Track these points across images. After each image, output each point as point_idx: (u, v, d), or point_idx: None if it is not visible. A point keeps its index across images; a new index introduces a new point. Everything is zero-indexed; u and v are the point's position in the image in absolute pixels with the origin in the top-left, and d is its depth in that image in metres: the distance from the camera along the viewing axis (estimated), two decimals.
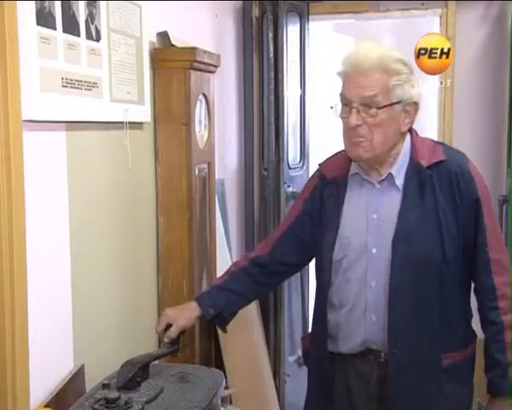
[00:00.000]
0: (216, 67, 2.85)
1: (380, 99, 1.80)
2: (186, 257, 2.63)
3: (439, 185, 1.86)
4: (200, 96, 2.73)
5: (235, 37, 3.78)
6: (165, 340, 2.02)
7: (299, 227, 2.08)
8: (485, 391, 1.94)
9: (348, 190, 1.96)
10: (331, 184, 2.00)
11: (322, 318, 2.00)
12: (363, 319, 1.92)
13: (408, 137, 1.94)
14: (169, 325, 2.07)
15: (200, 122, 2.75)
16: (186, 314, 2.08)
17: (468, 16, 3.76)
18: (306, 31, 3.93)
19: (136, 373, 1.84)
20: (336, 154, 2.10)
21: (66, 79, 1.90)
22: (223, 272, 2.27)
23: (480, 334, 1.99)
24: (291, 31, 3.78)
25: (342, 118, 1.90)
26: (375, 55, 1.81)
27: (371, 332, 1.92)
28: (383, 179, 1.92)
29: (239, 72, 3.81)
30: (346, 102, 1.86)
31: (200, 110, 2.74)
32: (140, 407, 1.72)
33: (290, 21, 3.77)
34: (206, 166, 2.85)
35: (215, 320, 2.15)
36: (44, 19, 1.79)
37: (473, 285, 1.97)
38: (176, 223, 2.63)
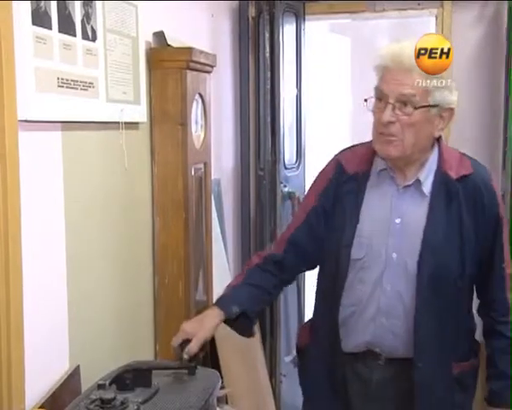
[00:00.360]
0: (212, 67, 2.85)
1: (417, 99, 1.78)
2: (182, 257, 2.63)
3: (465, 201, 1.84)
4: (197, 97, 2.73)
5: (232, 37, 3.78)
6: (185, 357, 1.84)
7: (315, 220, 1.98)
8: (483, 399, 1.98)
9: (369, 187, 1.92)
10: (351, 179, 1.94)
11: (332, 315, 1.95)
12: (373, 321, 1.90)
13: (436, 146, 1.91)
14: (186, 340, 1.87)
15: (196, 122, 2.75)
16: (206, 324, 1.89)
17: (464, 16, 3.77)
18: (302, 31, 3.93)
19: (133, 376, 1.83)
20: (355, 146, 2.05)
21: (62, 78, 1.90)
22: (236, 275, 2.15)
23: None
24: (287, 31, 3.78)
25: (374, 113, 1.86)
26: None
27: (379, 335, 1.91)
28: (410, 185, 1.88)
29: (235, 72, 3.81)
30: (382, 97, 1.82)
31: (196, 110, 2.74)
32: (135, 407, 1.71)
33: (286, 21, 3.77)
34: (202, 166, 2.85)
35: (240, 324, 1.95)
36: (40, 19, 1.79)
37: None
38: (172, 223, 2.63)
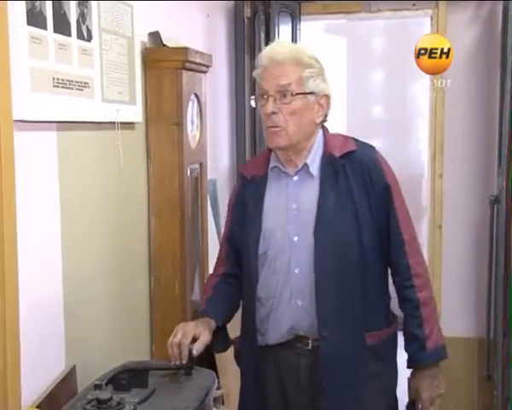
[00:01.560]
0: (208, 67, 2.85)
1: (294, 87, 1.92)
2: (178, 257, 2.63)
3: (352, 174, 1.97)
4: (192, 96, 2.73)
5: (227, 37, 3.78)
6: (194, 353, 1.87)
7: (233, 237, 2.14)
8: (406, 367, 2.04)
9: (268, 185, 2.04)
10: (251, 183, 2.08)
11: (251, 313, 2.04)
12: (289, 305, 1.98)
13: (320, 131, 2.05)
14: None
15: (191, 122, 2.75)
16: (208, 326, 1.97)
17: (459, 17, 3.79)
18: (298, 31, 3.93)
19: (129, 377, 1.83)
20: (255, 156, 2.19)
21: (58, 78, 1.90)
22: (202, 295, 2.24)
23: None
24: (283, 31, 3.79)
25: (261, 109, 1.99)
26: (288, 49, 1.95)
27: (298, 318, 1.98)
28: (299, 170, 2.00)
29: (231, 72, 3.81)
30: (264, 93, 1.96)
31: (192, 110, 2.74)
32: (132, 407, 1.71)
33: (282, 21, 3.78)
34: (197, 166, 2.85)
35: (217, 338, 2.03)
36: (35, 19, 1.78)
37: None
38: (168, 223, 2.63)
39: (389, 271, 2.07)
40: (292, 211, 1.99)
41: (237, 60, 3.80)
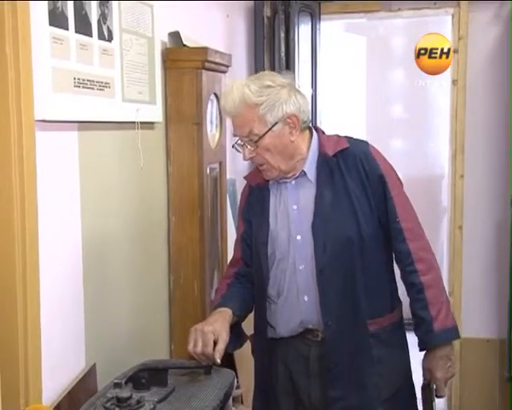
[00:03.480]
0: (227, 66, 2.85)
1: (257, 131, 1.97)
2: (197, 256, 2.64)
3: (347, 170, 2.04)
4: (212, 96, 2.73)
5: (247, 36, 3.78)
6: (218, 362, 1.88)
7: (249, 238, 2.21)
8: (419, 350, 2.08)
9: (271, 192, 2.12)
10: (256, 190, 2.17)
11: (262, 309, 2.13)
12: (297, 301, 2.06)
13: (315, 135, 2.11)
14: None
15: (211, 122, 2.76)
16: (225, 326, 1.98)
17: (481, 16, 3.75)
18: (318, 30, 3.92)
19: (148, 375, 1.84)
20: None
21: (79, 79, 1.91)
22: (216, 294, 2.27)
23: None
24: (302, 30, 3.78)
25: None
26: (236, 98, 1.97)
27: (306, 312, 2.06)
28: (297, 176, 2.08)
29: (250, 71, 3.81)
30: (238, 140, 2.05)
31: (211, 110, 2.74)
32: (151, 406, 1.72)
33: (302, 21, 3.77)
34: (217, 165, 2.86)
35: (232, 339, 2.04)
36: (57, 19, 1.80)
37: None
38: (187, 222, 2.63)
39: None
40: (293, 212, 2.07)
41: (257, 60, 3.79)
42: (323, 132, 2.15)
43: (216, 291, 2.32)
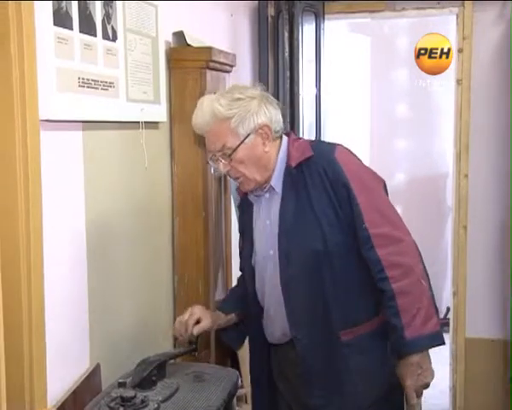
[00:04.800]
0: (231, 66, 2.85)
1: (230, 145, 1.96)
2: (201, 256, 2.64)
3: (311, 179, 1.99)
4: None
5: (251, 36, 3.78)
6: (194, 333, 2.06)
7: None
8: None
9: (254, 203, 2.13)
10: (245, 201, 2.17)
11: (253, 317, 2.16)
12: (277, 314, 2.06)
13: (285, 143, 2.06)
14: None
15: None
16: (214, 316, 2.18)
17: (485, 15, 3.74)
18: (322, 30, 3.91)
19: (151, 372, 1.84)
20: None
21: (83, 78, 1.91)
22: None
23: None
24: (306, 30, 3.77)
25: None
26: (206, 114, 1.96)
27: (286, 325, 2.05)
28: (267, 190, 2.06)
29: (254, 71, 3.81)
30: (211, 156, 2.03)
31: None
32: (156, 405, 1.72)
33: (306, 21, 3.76)
34: None
35: (228, 334, 2.26)
36: (61, 19, 1.80)
37: None
38: (191, 222, 2.63)
39: None
40: (266, 227, 2.07)
41: (261, 59, 3.79)
42: (298, 138, 2.11)
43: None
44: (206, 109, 1.96)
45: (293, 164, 2.00)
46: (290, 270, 1.99)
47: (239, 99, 1.97)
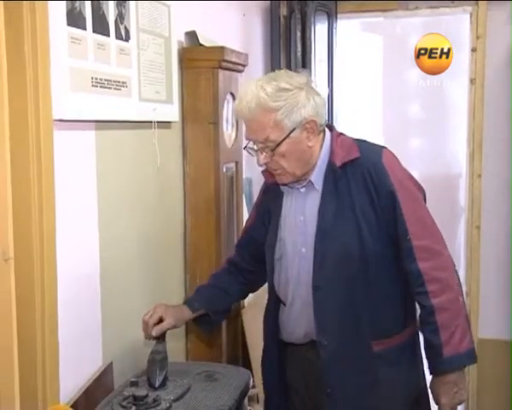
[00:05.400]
0: (244, 66, 2.85)
1: (273, 137, 1.87)
2: (213, 256, 2.64)
3: (354, 181, 1.92)
4: (228, 96, 2.73)
5: (263, 36, 3.78)
6: (153, 334, 1.98)
7: (255, 231, 2.18)
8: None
9: (284, 194, 2.05)
10: (272, 189, 2.09)
11: (273, 312, 2.09)
12: (301, 313, 2.00)
13: (328, 138, 1.99)
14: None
15: (227, 121, 2.76)
16: (178, 314, 2.08)
17: (499, 14, 3.71)
18: (334, 30, 3.91)
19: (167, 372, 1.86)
20: None
21: (96, 78, 1.92)
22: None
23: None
24: (319, 30, 3.77)
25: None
26: (252, 101, 1.86)
27: (310, 325, 1.98)
28: (305, 184, 1.99)
29: (267, 71, 3.80)
30: (251, 144, 1.95)
31: (227, 109, 2.74)
32: (168, 404, 1.73)
33: (318, 20, 3.75)
34: (233, 165, 2.86)
35: (201, 320, 2.16)
36: (75, 19, 1.81)
37: None
38: (203, 222, 2.64)
39: None
40: (300, 223, 1.99)
41: (273, 59, 3.78)
42: (340, 133, 2.03)
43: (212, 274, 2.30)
44: (251, 97, 1.86)
45: (339, 163, 1.93)
46: (324, 272, 1.92)
47: (286, 90, 1.87)
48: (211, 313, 2.13)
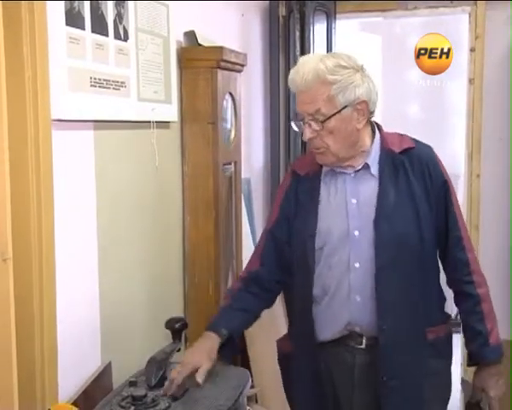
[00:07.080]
0: (242, 66, 2.85)
1: (324, 111, 1.87)
2: (212, 256, 2.64)
3: (412, 170, 1.96)
4: (227, 96, 2.73)
5: (262, 36, 3.78)
6: (199, 380, 1.81)
7: (278, 230, 2.08)
8: (466, 365, 2.02)
9: (322, 182, 2.01)
10: (304, 179, 2.05)
11: (306, 310, 1.99)
12: (348, 300, 1.94)
13: (377, 129, 2.03)
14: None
15: (226, 121, 2.76)
16: (205, 356, 1.89)
17: (498, 14, 3.71)
18: (333, 30, 3.91)
19: (165, 372, 1.85)
20: (306, 154, 2.19)
21: (95, 78, 1.92)
22: (222, 301, 2.19)
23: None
24: (318, 30, 3.76)
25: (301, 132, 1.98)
26: (310, 72, 1.86)
27: (356, 313, 1.94)
28: (359, 169, 1.98)
29: (265, 71, 3.81)
30: (299, 118, 1.94)
31: (226, 109, 2.74)
32: (166, 404, 1.73)
33: (317, 20, 3.75)
34: (232, 165, 2.86)
35: (225, 348, 1.97)
36: (73, 19, 1.81)
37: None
38: (202, 222, 2.64)
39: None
40: (352, 206, 1.96)
41: (272, 59, 3.79)
42: (381, 127, 2.07)
43: (225, 295, 2.19)
44: (310, 68, 1.86)
45: (397, 149, 1.97)
46: (386, 254, 1.91)
47: (344, 67, 1.88)
48: (235, 336, 2.00)
